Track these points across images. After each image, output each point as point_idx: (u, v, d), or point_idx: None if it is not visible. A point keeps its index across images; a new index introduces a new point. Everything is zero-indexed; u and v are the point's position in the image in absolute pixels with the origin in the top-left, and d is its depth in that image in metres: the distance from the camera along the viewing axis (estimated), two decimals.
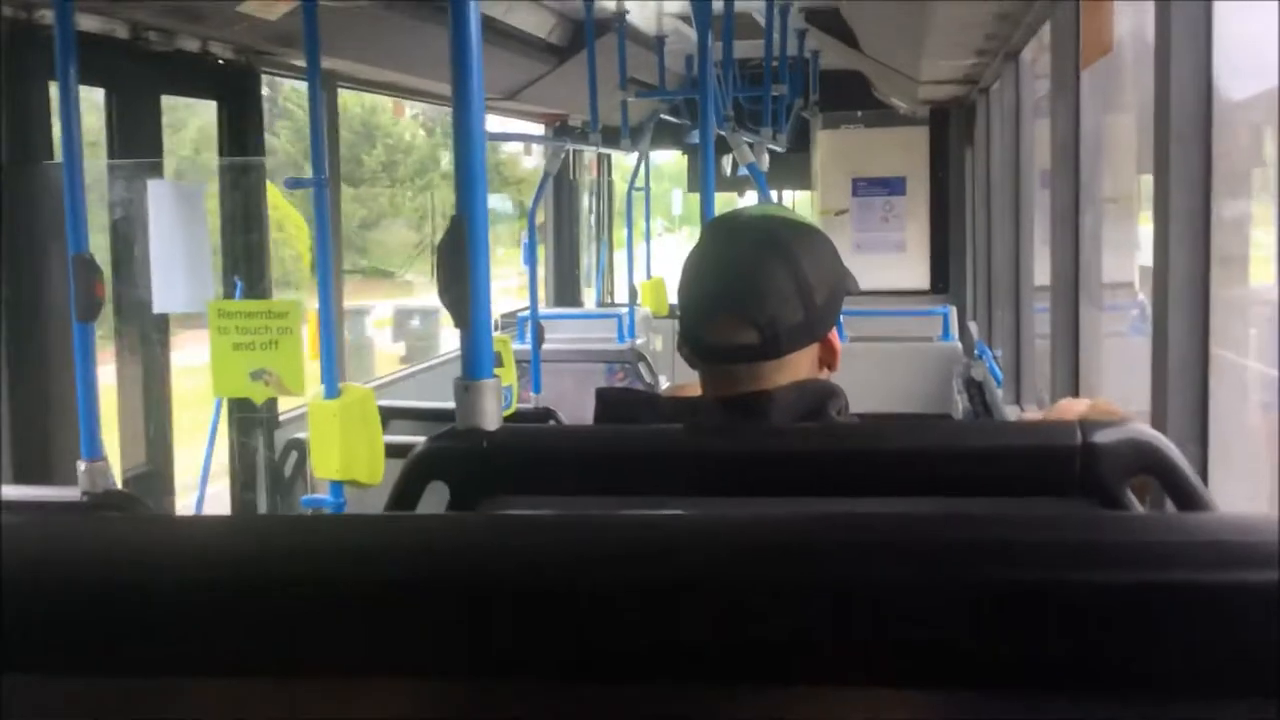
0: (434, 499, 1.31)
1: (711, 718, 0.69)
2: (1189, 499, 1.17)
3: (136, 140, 3.60)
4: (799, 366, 1.41)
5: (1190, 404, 1.95)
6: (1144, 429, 1.22)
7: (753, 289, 1.37)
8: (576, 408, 4.98)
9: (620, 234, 7.86)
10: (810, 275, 1.38)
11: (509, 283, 12.25)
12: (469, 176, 1.35)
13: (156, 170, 3.61)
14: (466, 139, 1.35)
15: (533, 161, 12.50)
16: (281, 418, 4.19)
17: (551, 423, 3.61)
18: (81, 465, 2.40)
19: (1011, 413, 4.79)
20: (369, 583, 0.70)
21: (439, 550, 0.74)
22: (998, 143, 5.74)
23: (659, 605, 0.68)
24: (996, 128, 5.82)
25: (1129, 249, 3.57)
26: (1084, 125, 3.51)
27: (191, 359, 4.48)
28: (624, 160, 7.65)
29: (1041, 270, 4.30)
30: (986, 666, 0.66)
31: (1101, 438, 1.19)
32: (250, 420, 4.04)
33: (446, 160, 19.22)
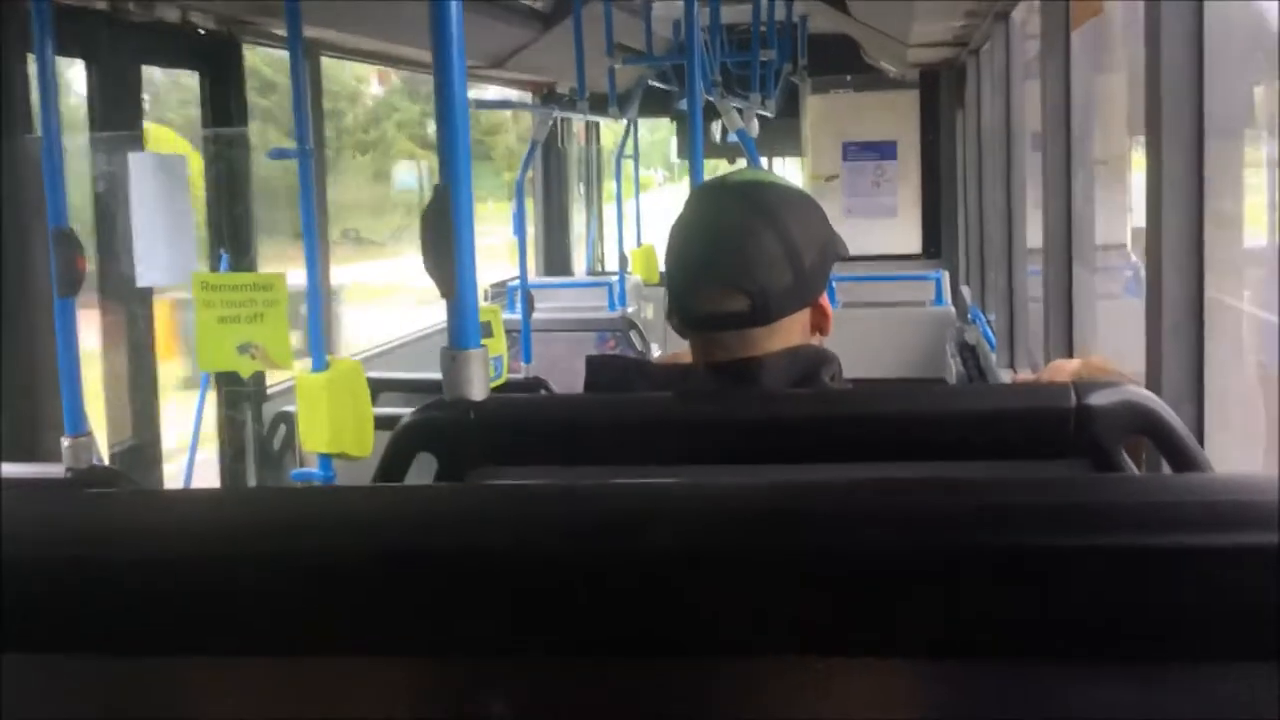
0: (422, 471, 1.30)
1: (706, 684, 0.68)
2: (1184, 459, 1.16)
3: (117, 112, 3.56)
4: (791, 332, 1.39)
5: (1185, 364, 1.94)
6: (1138, 390, 1.22)
7: (740, 255, 1.35)
8: (568, 376, 4.96)
9: (610, 187, 7.76)
10: (798, 239, 1.37)
11: (493, 240, 11.83)
12: (452, 145, 1.34)
13: (138, 142, 3.58)
14: (449, 108, 1.33)
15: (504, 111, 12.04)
16: (269, 390, 4.17)
17: (542, 392, 3.60)
18: (66, 441, 2.38)
19: (1005, 376, 4.80)
20: (358, 555, 0.70)
21: (428, 522, 0.73)
22: (988, 105, 5.72)
23: (650, 574, 0.68)
24: (987, 90, 5.80)
25: (1121, 210, 3.56)
26: (1075, 86, 3.49)
27: None
28: (614, 125, 7.62)
29: (1034, 233, 4.29)
30: (983, 632, 0.65)
31: (1096, 399, 1.18)
32: (237, 394, 4.02)
33: (403, 112, 18.47)
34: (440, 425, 1.30)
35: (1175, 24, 1.98)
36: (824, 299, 1.44)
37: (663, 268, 1.48)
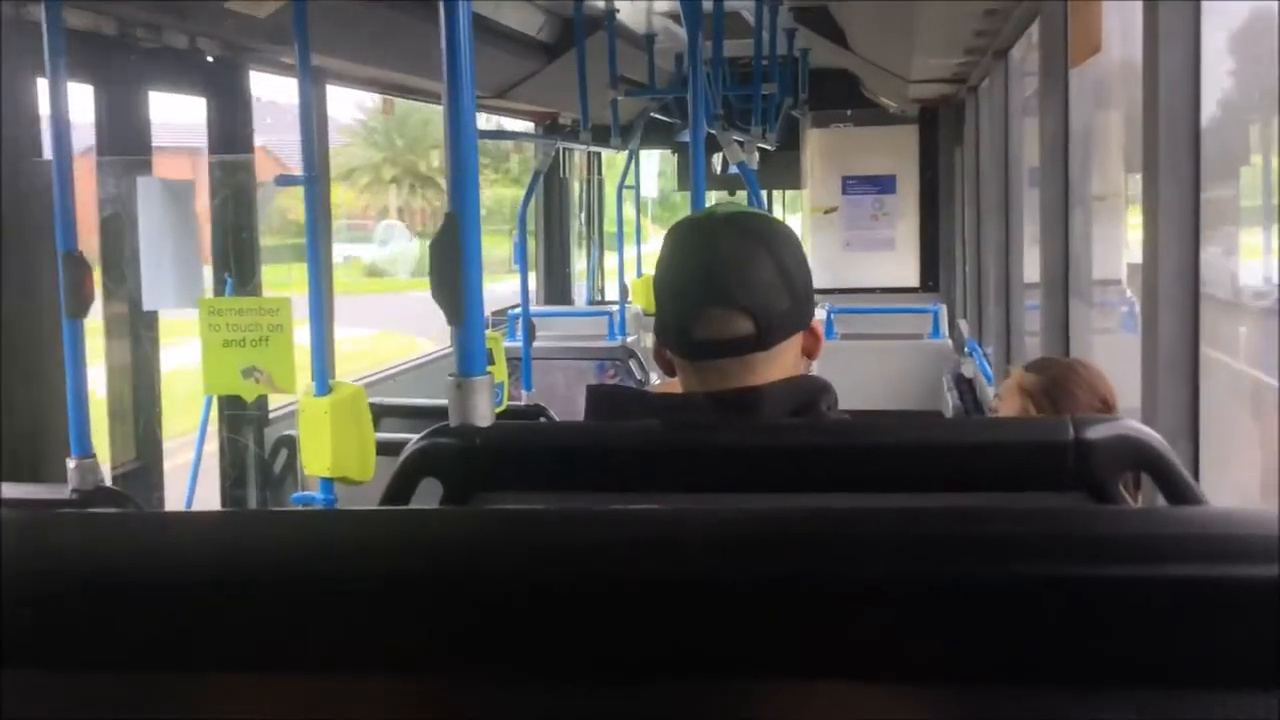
0: (426, 497, 1.31)
1: (709, 707, 0.69)
2: (1180, 494, 1.18)
3: (124, 137, 3.59)
4: (786, 358, 1.41)
5: (1180, 400, 1.95)
6: (1136, 425, 1.23)
7: (742, 279, 1.37)
8: (567, 404, 4.97)
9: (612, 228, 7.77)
10: (789, 263, 1.39)
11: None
12: (460, 174, 1.35)
13: (145, 167, 3.60)
14: (457, 137, 1.35)
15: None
16: (272, 415, 4.18)
17: (542, 420, 3.61)
18: (71, 462, 2.39)
19: None
20: (362, 578, 0.70)
21: (433, 545, 0.74)
22: (987, 141, 5.76)
23: (655, 598, 0.68)
24: (986, 126, 5.84)
25: (1117, 246, 3.59)
26: (1072, 123, 3.52)
27: None
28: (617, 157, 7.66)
29: (1031, 267, 4.31)
30: (981, 660, 0.66)
31: (1093, 433, 1.19)
32: (240, 417, 4.03)
33: None
34: (447, 451, 1.31)
35: (1174, 61, 2.01)
36: (816, 322, 1.46)
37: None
